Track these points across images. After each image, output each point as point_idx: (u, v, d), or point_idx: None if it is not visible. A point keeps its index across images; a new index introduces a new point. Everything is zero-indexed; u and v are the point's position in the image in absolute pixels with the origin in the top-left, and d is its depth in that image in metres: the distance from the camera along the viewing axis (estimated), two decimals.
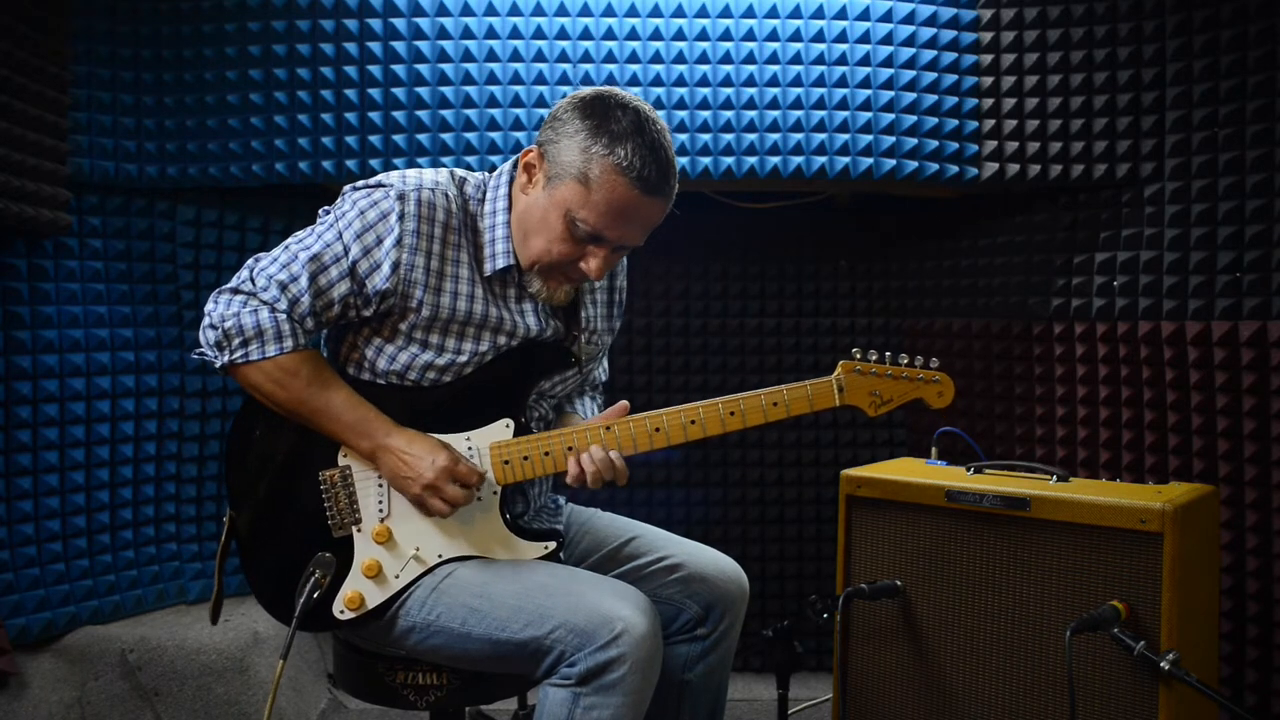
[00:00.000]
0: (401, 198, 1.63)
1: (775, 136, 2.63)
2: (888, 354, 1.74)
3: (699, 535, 2.00)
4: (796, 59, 2.63)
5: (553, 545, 1.73)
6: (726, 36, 2.64)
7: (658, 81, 2.64)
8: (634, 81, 2.63)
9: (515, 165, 1.72)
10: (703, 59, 2.64)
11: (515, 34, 2.63)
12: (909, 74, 2.65)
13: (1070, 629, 1.67)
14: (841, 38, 2.64)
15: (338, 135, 2.64)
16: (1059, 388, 2.69)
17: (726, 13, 2.64)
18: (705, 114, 2.63)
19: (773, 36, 2.64)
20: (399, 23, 2.62)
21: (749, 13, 2.64)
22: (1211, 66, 2.41)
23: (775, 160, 2.62)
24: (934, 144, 2.66)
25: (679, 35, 2.63)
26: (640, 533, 1.89)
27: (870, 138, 2.63)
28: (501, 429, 1.71)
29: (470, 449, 1.70)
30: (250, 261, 1.66)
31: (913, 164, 2.63)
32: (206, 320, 1.63)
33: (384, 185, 1.65)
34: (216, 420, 2.85)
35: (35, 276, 2.48)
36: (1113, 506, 1.75)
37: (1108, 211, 2.61)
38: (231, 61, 2.64)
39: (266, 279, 1.61)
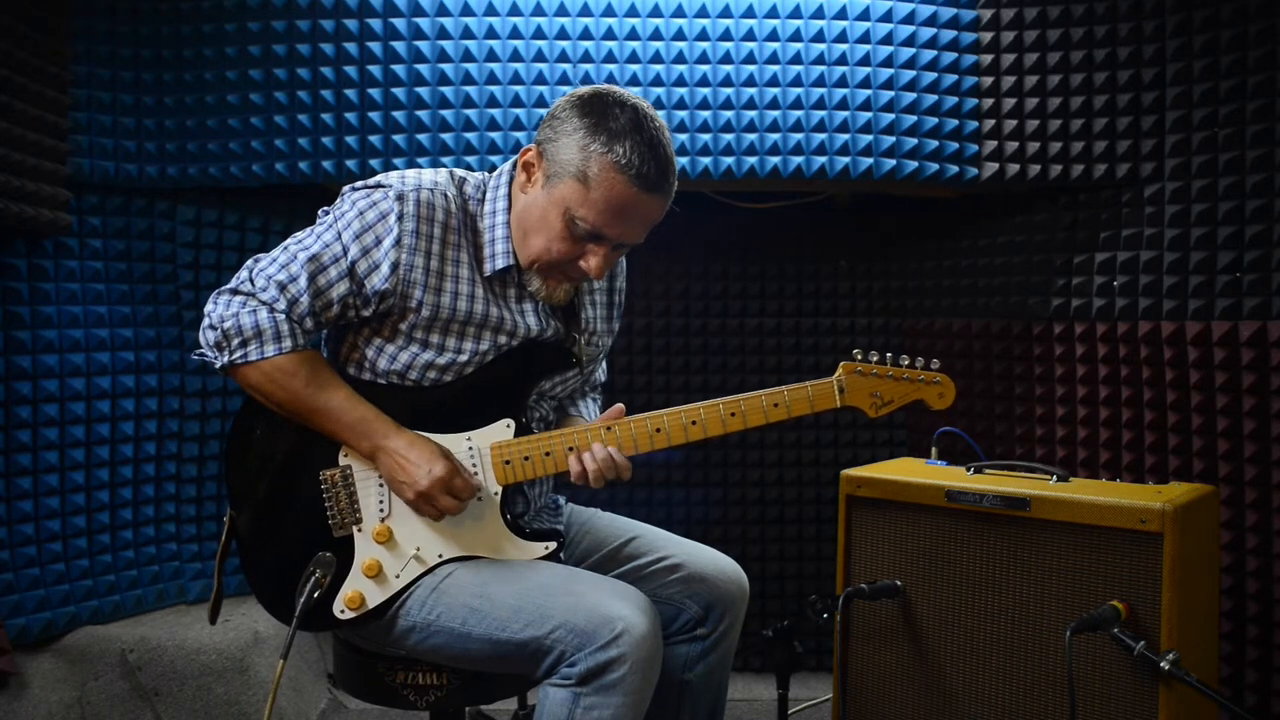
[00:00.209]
0: (400, 198, 1.63)
1: (775, 136, 2.63)
2: (888, 355, 1.74)
3: (699, 535, 2.00)
4: (796, 59, 2.63)
5: (553, 545, 1.73)
6: (726, 36, 2.64)
7: (658, 81, 2.64)
8: (634, 81, 2.63)
9: (515, 165, 1.72)
10: (703, 59, 2.64)
11: (515, 34, 2.63)
12: (909, 74, 2.65)
13: (1070, 629, 1.67)
14: (841, 38, 2.64)
15: (338, 135, 2.64)
16: (1059, 388, 2.69)
17: (726, 13, 2.64)
18: (705, 114, 2.63)
19: (773, 36, 2.64)
20: (399, 23, 2.62)
21: (749, 13, 2.64)
22: (1211, 66, 2.41)
23: (775, 160, 2.62)
24: (934, 144, 2.66)
25: (679, 35, 2.63)
26: (640, 533, 1.89)
27: (870, 138, 2.63)
28: (502, 429, 1.71)
29: (471, 449, 1.70)
30: (250, 262, 1.66)
31: (913, 164, 2.63)
32: (206, 321, 1.63)
33: (383, 186, 1.65)
34: (216, 420, 2.85)
35: (35, 276, 2.48)
36: (1113, 506, 1.75)
37: (1108, 211, 2.61)
38: (231, 61, 2.64)
39: (265, 279, 1.61)
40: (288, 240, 1.67)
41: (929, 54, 2.66)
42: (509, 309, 1.72)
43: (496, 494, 1.71)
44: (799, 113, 2.62)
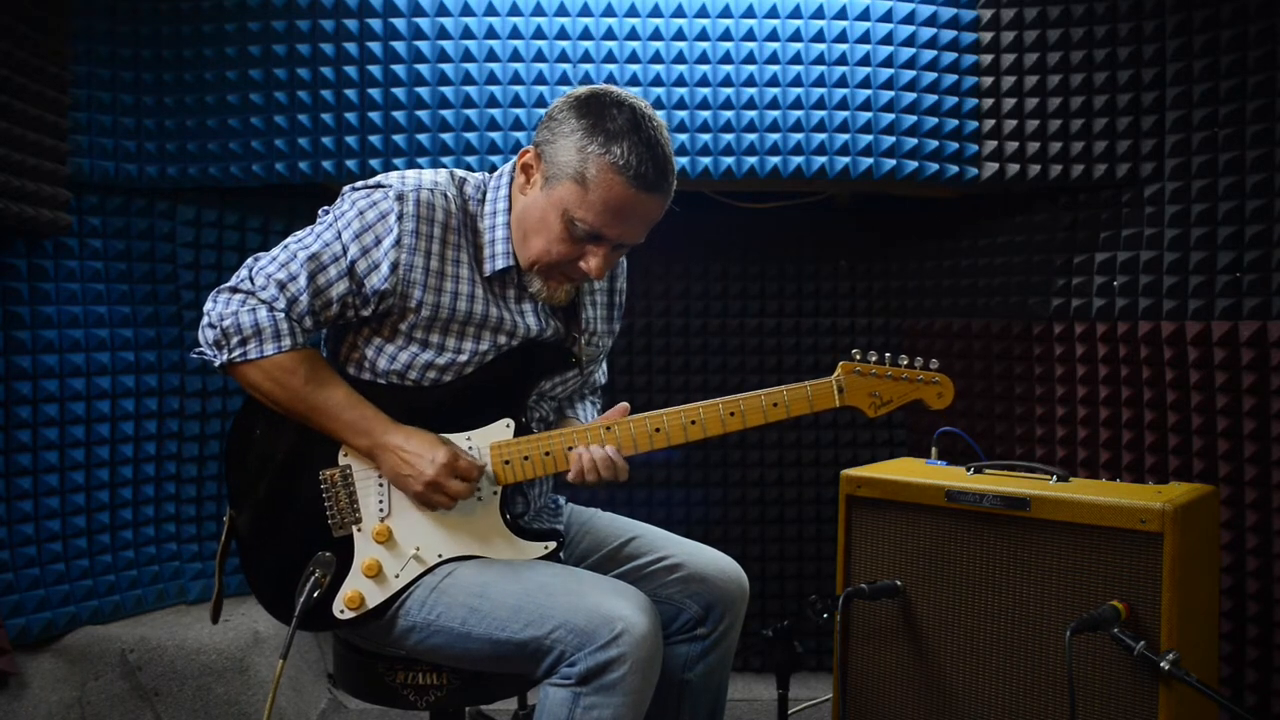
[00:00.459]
0: (400, 198, 1.63)
1: (775, 136, 2.63)
2: (887, 355, 1.75)
3: (699, 535, 2.00)
4: (796, 59, 2.63)
5: (553, 545, 1.73)
6: (726, 36, 2.64)
7: (658, 81, 2.64)
8: (634, 81, 2.63)
9: (515, 166, 1.72)
10: (703, 59, 2.64)
11: (515, 34, 2.63)
12: (909, 74, 2.65)
13: (1070, 629, 1.67)
14: (841, 38, 2.64)
15: (338, 135, 2.64)
16: (1059, 388, 2.69)
17: (726, 13, 2.64)
18: (705, 114, 2.63)
19: (773, 36, 2.64)
20: (399, 23, 2.62)
21: (749, 13, 2.64)
22: (1211, 66, 2.41)
23: (775, 160, 2.62)
24: (934, 144, 2.66)
25: (679, 35, 2.63)
26: (640, 532, 1.89)
27: (870, 138, 2.63)
28: (502, 429, 1.71)
29: (471, 449, 1.70)
30: (249, 261, 1.66)
31: (913, 164, 2.63)
32: (205, 319, 1.63)
33: (383, 186, 1.65)
34: (216, 420, 2.85)
35: (35, 276, 2.48)
36: (1113, 506, 1.75)
37: (1108, 211, 2.61)
38: (231, 61, 2.64)
39: (265, 278, 1.61)
40: (288, 239, 1.67)
41: (929, 54, 2.66)
42: (509, 309, 1.72)
43: (496, 494, 1.71)
44: (799, 113, 2.62)
